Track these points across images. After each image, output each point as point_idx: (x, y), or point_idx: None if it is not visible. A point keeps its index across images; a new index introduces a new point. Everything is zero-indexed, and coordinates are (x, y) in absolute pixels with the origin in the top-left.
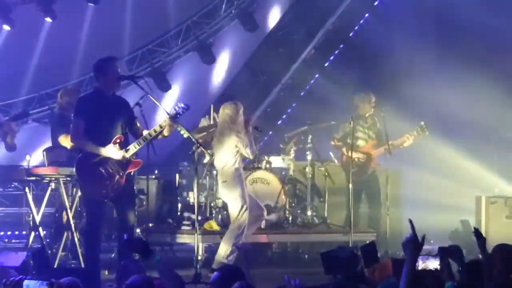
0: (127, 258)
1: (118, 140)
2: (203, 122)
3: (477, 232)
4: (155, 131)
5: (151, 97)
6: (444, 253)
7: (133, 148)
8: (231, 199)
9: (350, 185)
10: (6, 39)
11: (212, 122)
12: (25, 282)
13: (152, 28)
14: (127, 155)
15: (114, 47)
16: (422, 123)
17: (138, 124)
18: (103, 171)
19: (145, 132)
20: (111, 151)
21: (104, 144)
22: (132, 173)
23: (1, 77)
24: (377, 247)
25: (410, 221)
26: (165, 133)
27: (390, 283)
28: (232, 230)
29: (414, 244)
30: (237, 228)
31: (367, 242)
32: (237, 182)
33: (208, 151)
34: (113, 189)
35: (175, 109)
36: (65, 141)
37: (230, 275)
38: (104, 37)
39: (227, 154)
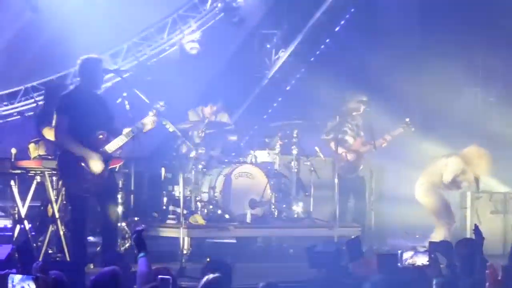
0: (111, 252)
1: (101, 136)
2: (190, 116)
3: (477, 230)
4: (138, 128)
5: (136, 91)
6: (434, 249)
7: (115, 144)
8: None
9: (336, 180)
10: None
11: (201, 116)
12: (11, 276)
13: (137, 21)
14: (109, 149)
15: (99, 40)
16: (407, 119)
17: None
18: (85, 166)
19: (126, 130)
20: (90, 155)
21: (86, 140)
22: (115, 169)
23: None
24: (362, 242)
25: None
26: (150, 126)
27: (378, 279)
28: None
29: None
30: None
31: (352, 237)
32: None
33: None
34: (94, 184)
35: (160, 104)
36: (50, 135)
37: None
38: (89, 29)
39: None
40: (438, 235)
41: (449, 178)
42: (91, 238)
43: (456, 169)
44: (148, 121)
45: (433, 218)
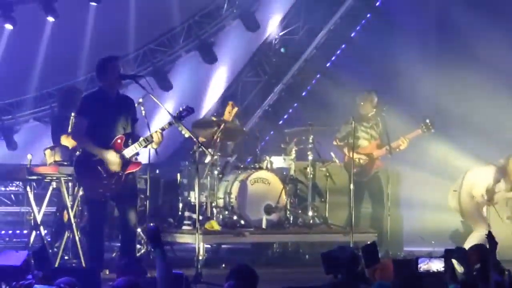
0: (128, 257)
1: (119, 141)
2: (206, 120)
3: (490, 235)
4: (148, 139)
5: (152, 97)
6: (449, 255)
7: (133, 148)
8: None
9: (351, 186)
10: (9, 38)
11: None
12: (35, 286)
13: (154, 27)
14: (127, 154)
15: (116, 46)
16: (428, 120)
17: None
18: (102, 170)
19: (142, 138)
20: (110, 157)
21: (105, 143)
22: (133, 173)
23: (4, 76)
24: (378, 248)
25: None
26: (154, 145)
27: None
28: None
29: None
30: None
31: (368, 242)
32: None
33: (209, 150)
34: (111, 189)
35: (179, 111)
36: (66, 141)
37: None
38: (106, 36)
39: None
40: (473, 240)
41: (483, 190)
42: (106, 243)
43: (497, 180)
44: (155, 137)
45: (463, 224)
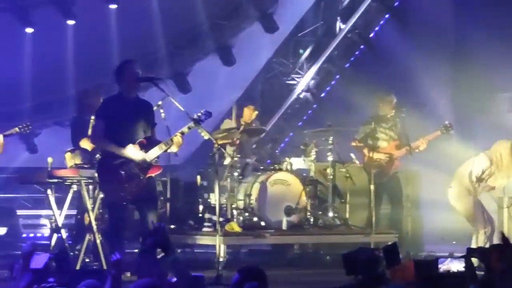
0: (149, 260)
1: (140, 144)
2: (226, 124)
3: (502, 237)
4: (168, 143)
5: (172, 99)
6: (470, 255)
7: (154, 152)
8: None
9: (372, 186)
10: (28, 41)
11: (234, 124)
12: None
13: (172, 30)
14: (148, 157)
15: (135, 49)
16: (447, 122)
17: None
18: (123, 173)
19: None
20: (132, 151)
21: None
22: (153, 176)
23: (26, 81)
24: (399, 248)
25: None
26: (174, 149)
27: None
28: None
29: None
30: None
31: (389, 243)
32: None
33: (229, 152)
34: (131, 192)
35: (198, 114)
36: (86, 144)
37: (251, 276)
38: (125, 39)
39: None
40: (475, 242)
41: (478, 173)
42: (126, 245)
43: (484, 165)
44: (176, 141)
45: (469, 223)
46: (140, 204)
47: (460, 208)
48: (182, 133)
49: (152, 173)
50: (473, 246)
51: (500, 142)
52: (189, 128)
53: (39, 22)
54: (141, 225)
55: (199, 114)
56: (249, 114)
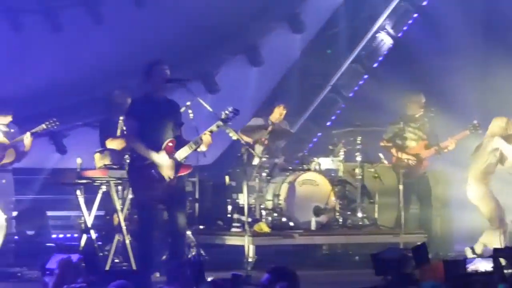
0: (178, 259)
1: (170, 144)
2: (254, 121)
3: None
4: (198, 142)
5: (200, 100)
6: (498, 255)
7: (184, 151)
8: None
9: (400, 186)
10: (56, 43)
11: (262, 122)
12: None
13: (200, 30)
14: (177, 158)
15: (163, 49)
16: (475, 121)
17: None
18: (154, 173)
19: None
20: (161, 159)
21: (156, 147)
22: (183, 176)
23: (52, 81)
24: (428, 249)
25: None
26: (203, 148)
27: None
28: None
29: None
30: None
31: (418, 243)
32: None
33: (257, 152)
34: (163, 192)
35: (225, 113)
36: (114, 144)
37: (280, 276)
38: (152, 40)
39: None
40: (488, 240)
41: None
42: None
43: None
44: (205, 139)
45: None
46: (169, 204)
47: (480, 205)
48: (211, 132)
49: (183, 173)
50: (487, 244)
51: (496, 119)
52: (217, 126)
53: (67, 24)
54: (169, 225)
55: (227, 112)
56: (279, 113)
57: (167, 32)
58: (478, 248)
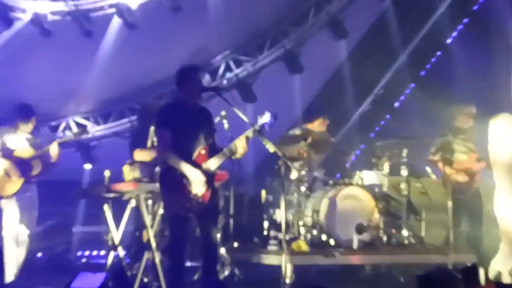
0: (212, 279)
1: (203, 152)
2: (293, 132)
3: None
4: (231, 150)
5: (236, 110)
6: None
7: (217, 160)
8: None
9: (449, 203)
10: (88, 49)
11: (300, 132)
12: None
13: (237, 36)
14: (212, 168)
15: (197, 57)
16: None
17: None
18: (187, 183)
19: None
20: (195, 177)
21: (188, 155)
22: (217, 188)
23: (83, 89)
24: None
25: None
26: (238, 155)
27: None
28: None
29: None
30: None
31: (468, 264)
32: None
33: (296, 165)
34: (197, 203)
35: (262, 121)
36: (140, 156)
37: None
38: (187, 46)
39: None
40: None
41: None
42: (188, 264)
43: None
44: (239, 145)
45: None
46: (202, 219)
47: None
48: (247, 138)
49: (218, 181)
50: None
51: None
52: (253, 131)
53: (99, 29)
54: (202, 241)
55: (264, 120)
56: (320, 124)
57: (202, 38)
58: None
